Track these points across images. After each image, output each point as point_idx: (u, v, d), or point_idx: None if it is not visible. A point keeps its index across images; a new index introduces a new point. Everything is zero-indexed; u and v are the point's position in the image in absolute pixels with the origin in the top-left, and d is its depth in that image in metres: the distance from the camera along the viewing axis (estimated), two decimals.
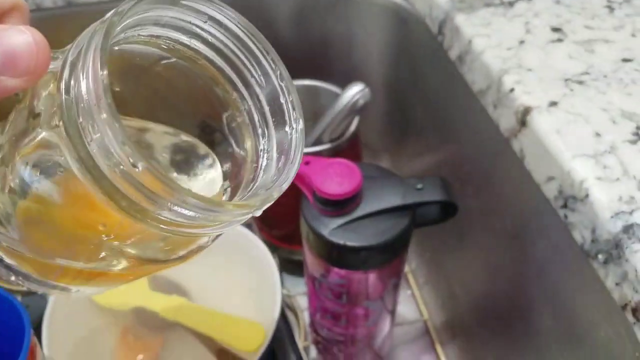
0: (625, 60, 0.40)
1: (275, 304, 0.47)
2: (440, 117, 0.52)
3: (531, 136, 0.35)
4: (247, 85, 0.21)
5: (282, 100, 0.21)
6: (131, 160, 0.15)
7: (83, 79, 0.16)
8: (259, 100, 0.21)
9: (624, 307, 0.30)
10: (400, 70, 0.59)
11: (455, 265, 0.56)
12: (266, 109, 0.21)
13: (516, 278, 0.43)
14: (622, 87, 0.37)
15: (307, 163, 0.38)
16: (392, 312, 0.51)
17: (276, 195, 0.19)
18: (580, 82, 0.38)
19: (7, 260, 0.21)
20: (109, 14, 0.17)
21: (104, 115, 0.15)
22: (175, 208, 0.16)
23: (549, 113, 0.35)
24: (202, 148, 0.23)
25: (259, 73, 0.21)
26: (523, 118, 0.36)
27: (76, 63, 0.16)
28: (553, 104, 0.36)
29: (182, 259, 0.20)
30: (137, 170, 0.16)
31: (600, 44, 0.41)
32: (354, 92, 0.47)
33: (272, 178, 0.20)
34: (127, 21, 0.17)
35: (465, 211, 0.46)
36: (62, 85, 0.16)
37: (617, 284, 0.30)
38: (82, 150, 0.16)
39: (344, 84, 0.51)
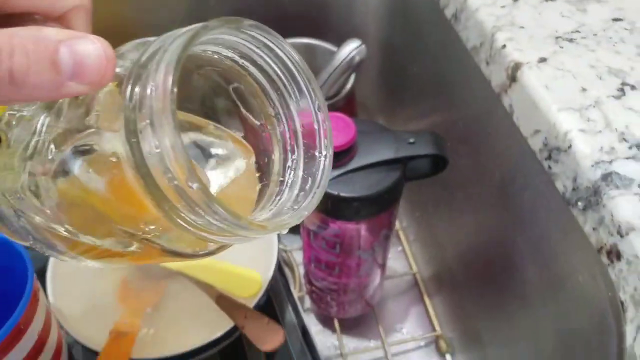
0: (616, 19, 0.41)
1: (272, 257, 0.49)
2: (436, 75, 0.53)
3: (520, 91, 0.37)
4: (285, 105, 0.22)
5: (315, 126, 0.22)
6: (188, 181, 0.16)
7: (150, 90, 0.16)
8: (294, 121, 0.22)
9: (600, 250, 0.32)
10: (396, 29, 0.59)
11: (444, 222, 0.58)
12: (299, 130, 0.22)
13: (502, 230, 0.45)
14: (611, 46, 0.39)
15: None
16: (383, 265, 0.53)
17: (297, 221, 0.20)
18: (571, 40, 0.39)
19: (34, 233, 0.22)
20: (183, 35, 0.17)
21: (167, 134, 0.16)
22: (215, 222, 0.18)
23: (539, 69, 0.37)
24: (241, 147, 0.24)
25: (299, 98, 0.22)
26: (513, 74, 0.37)
27: (143, 73, 0.17)
28: (543, 60, 0.37)
29: (202, 255, 0.22)
30: (191, 188, 0.17)
31: (592, 3, 0.42)
32: (351, 48, 0.48)
33: (296, 197, 0.22)
34: (197, 42, 0.18)
35: (456, 168, 0.47)
36: (128, 92, 0.17)
37: (594, 229, 0.32)
38: (139, 160, 0.17)
39: (340, 42, 0.52)
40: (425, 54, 0.54)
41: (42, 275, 0.47)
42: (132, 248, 0.20)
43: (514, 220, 0.43)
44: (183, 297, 0.49)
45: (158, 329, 0.47)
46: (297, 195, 0.22)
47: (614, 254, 0.31)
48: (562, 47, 0.38)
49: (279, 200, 0.22)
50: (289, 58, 0.21)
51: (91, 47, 0.16)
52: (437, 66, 0.52)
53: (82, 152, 0.19)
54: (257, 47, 0.20)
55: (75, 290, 0.48)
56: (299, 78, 0.21)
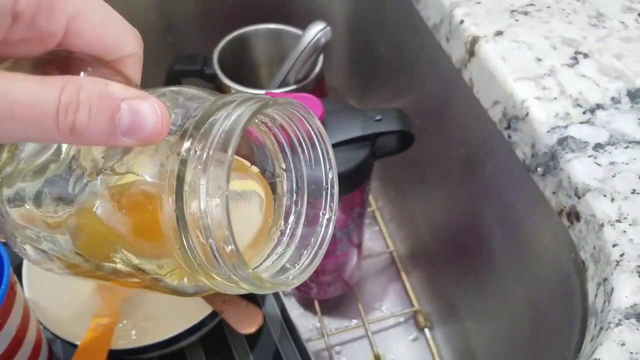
0: None
1: None
2: (402, 55, 0.54)
3: (479, 64, 0.38)
4: (298, 165, 0.23)
5: (323, 190, 0.23)
6: (224, 242, 0.17)
7: (208, 152, 0.17)
8: (303, 180, 0.23)
9: (560, 213, 0.33)
10: (361, 11, 0.60)
11: (417, 200, 0.59)
12: (306, 189, 0.24)
13: (470, 203, 0.47)
14: (564, 17, 0.40)
15: None
16: (359, 245, 0.54)
17: (301, 281, 0.22)
18: (525, 13, 0.40)
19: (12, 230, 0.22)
20: (246, 107, 0.18)
21: (219, 198, 0.17)
22: (232, 277, 0.19)
23: (495, 42, 0.38)
24: (256, 179, 0.24)
25: (313, 162, 0.23)
26: (471, 48, 0.38)
27: (202, 136, 0.18)
28: (499, 33, 0.38)
29: (195, 294, 0.22)
30: (224, 249, 0.18)
31: None
32: (315, 30, 0.48)
33: (296, 252, 0.23)
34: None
35: (425, 145, 0.48)
36: (184, 146, 0.18)
37: (553, 193, 0.33)
38: (180, 214, 0.17)
39: (307, 26, 0.52)
40: (391, 34, 0.55)
41: (17, 269, 0.46)
42: (133, 279, 0.21)
43: (480, 192, 0.44)
44: None
45: (137, 318, 0.47)
46: (298, 251, 0.23)
47: (573, 216, 0.32)
48: (517, 20, 0.39)
49: (279, 250, 0.23)
50: (313, 128, 0.22)
51: (150, 110, 0.17)
52: (402, 46, 0.53)
53: (120, 196, 0.19)
54: (288, 117, 0.22)
55: (52, 284, 0.48)
56: (317, 146, 0.23)
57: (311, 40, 0.48)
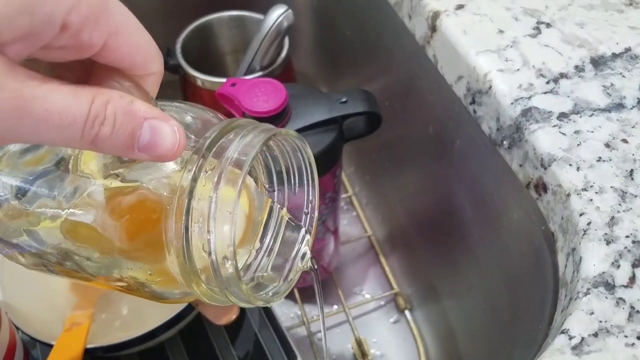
0: None
1: None
2: (367, 37, 0.53)
3: (441, 39, 0.37)
4: (282, 187, 0.25)
5: (303, 214, 0.25)
6: (224, 259, 0.19)
7: (218, 175, 0.19)
8: (284, 201, 0.25)
9: (528, 185, 0.33)
10: None
11: (392, 183, 0.59)
12: (286, 209, 0.25)
13: (442, 182, 0.46)
14: None
15: (233, 84, 0.39)
16: (335, 231, 0.54)
17: (278, 299, 0.23)
18: None
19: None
20: (256, 136, 0.20)
21: (224, 220, 0.18)
22: (224, 291, 0.20)
23: (456, 16, 0.37)
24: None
25: (297, 188, 0.25)
26: (433, 23, 0.38)
27: (211, 155, 0.19)
28: (460, 7, 0.38)
29: (177, 302, 0.23)
30: (224, 264, 0.19)
31: None
32: (277, 14, 0.47)
33: (273, 269, 0.24)
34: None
35: (395, 126, 0.48)
36: (195, 167, 0.19)
37: (520, 165, 0.33)
38: (186, 228, 0.18)
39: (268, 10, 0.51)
40: (355, 16, 0.54)
41: None
42: (118, 283, 0.21)
43: (451, 170, 0.43)
44: None
45: (113, 315, 0.46)
46: (275, 268, 0.24)
47: (541, 187, 0.32)
48: None
49: (255, 262, 0.24)
50: (304, 159, 0.24)
51: (169, 132, 0.18)
52: (367, 27, 0.52)
53: (123, 209, 0.20)
54: (286, 146, 0.23)
55: (26, 286, 0.47)
56: (304, 175, 0.24)
57: (273, 24, 0.47)
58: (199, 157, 0.19)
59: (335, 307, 0.57)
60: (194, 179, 0.19)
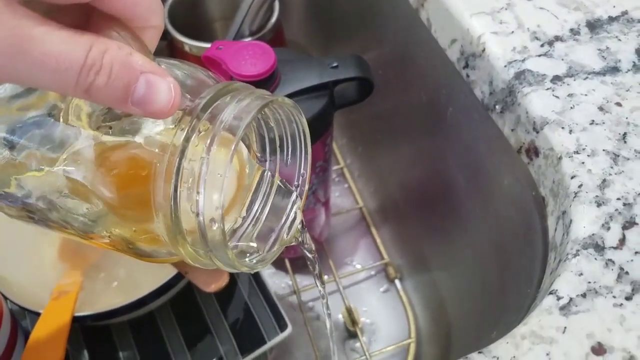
0: None
1: None
2: (359, 3, 0.52)
3: (435, 1, 0.36)
4: (274, 156, 0.24)
5: (293, 187, 0.24)
6: (212, 222, 0.18)
7: (211, 137, 0.18)
8: (274, 170, 0.25)
9: (519, 150, 0.33)
10: None
11: (384, 154, 0.58)
12: (277, 179, 0.24)
13: (434, 151, 0.46)
14: None
15: (219, 47, 0.38)
16: (326, 202, 0.53)
17: (262, 267, 0.23)
18: None
19: None
20: (253, 101, 0.19)
21: (214, 183, 0.18)
22: (209, 254, 0.19)
23: None
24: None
25: (290, 160, 0.24)
26: None
27: (205, 117, 0.19)
28: None
29: (163, 261, 0.23)
30: (211, 226, 0.18)
31: None
32: None
33: (259, 236, 0.24)
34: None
35: (388, 96, 0.47)
36: (188, 127, 0.18)
37: (512, 130, 0.33)
38: (175, 188, 0.18)
39: None
40: None
41: None
42: (104, 240, 0.21)
43: (443, 138, 0.43)
44: None
45: (102, 284, 0.46)
46: (261, 236, 0.24)
47: (532, 151, 0.32)
48: None
49: (241, 229, 0.24)
50: (299, 130, 0.23)
51: (165, 88, 0.17)
52: None
53: (116, 162, 0.19)
54: (281, 115, 0.23)
55: (14, 256, 0.46)
56: (298, 147, 0.24)
57: None
58: (192, 117, 0.19)
59: (325, 277, 0.57)
60: (187, 139, 0.18)
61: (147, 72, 0.17)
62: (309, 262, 0.29)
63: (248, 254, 0.23)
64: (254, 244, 0.24)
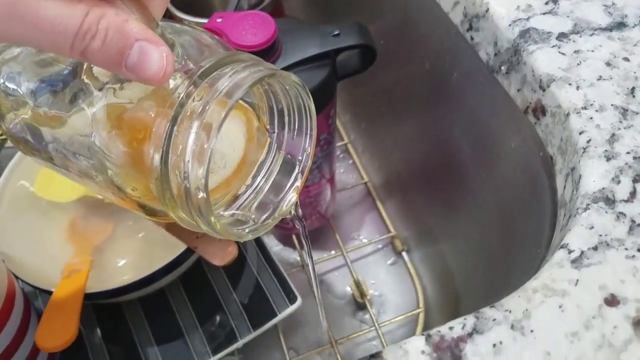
0: None
1: None
2: None
3: None
4: (281, 129, 0.25)
5: (296, 162, 0.25)
6: (197, 189, 0.19)
7: (203, 106, 0.18)
8: (281, 143, 0.25)
9: (526, 110, 0.32)
10: None
11: (388, 128, 0.58)
12: (283, 152, 0.25)
13: (439, 121, 0.46)
14: None
15: (218, 19, 0.38)
16: (331, 178, 0.53)
17: (253, 236, 0.23)
18: None
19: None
20: (253, 73, 0.19)
21: (207, 146, 0.18)
22: (195, 218, 0.20)
23: None
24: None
25: (296, 134, 0.24)
26: None
27: (202, 85, 0.19)
28: None
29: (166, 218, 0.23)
30: (197, 193, 0.19)
31: None
32: None
33: (257, 208, 0.24)
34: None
35: (390, 69, 0.47)
36: (183, 94, 0.19)
37: (518, 90, 0.32)
38: (166, 152, 0.19)
39: None
40: None
41: None
42: (108, 193, 0.22)
43: (448, 107, 0.43)
44: (133, 230, 0.49)
45: (112, 262, 0.46)
46: (260, 207, 0.24)
47: (539, 110, 0.31)
48: None
49: (242, 197, 0.24)
50: (305, 106, 0.24)
51: (157, 56, 0.18)
52: None
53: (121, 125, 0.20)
54: (287, 89, 0.23)
55: (23, 237, 0.47)
56: (304, 121, 0.24)
57: None
58: (189, 84, 0.19)
59: (333, 251, 0.58)
60: (181, 105, 0.19)
61: (141, 40, 0.18)
62: (296, 223, 0.29)
63: (242, 224, 0.24)
64: (252, 214, 0.24)
